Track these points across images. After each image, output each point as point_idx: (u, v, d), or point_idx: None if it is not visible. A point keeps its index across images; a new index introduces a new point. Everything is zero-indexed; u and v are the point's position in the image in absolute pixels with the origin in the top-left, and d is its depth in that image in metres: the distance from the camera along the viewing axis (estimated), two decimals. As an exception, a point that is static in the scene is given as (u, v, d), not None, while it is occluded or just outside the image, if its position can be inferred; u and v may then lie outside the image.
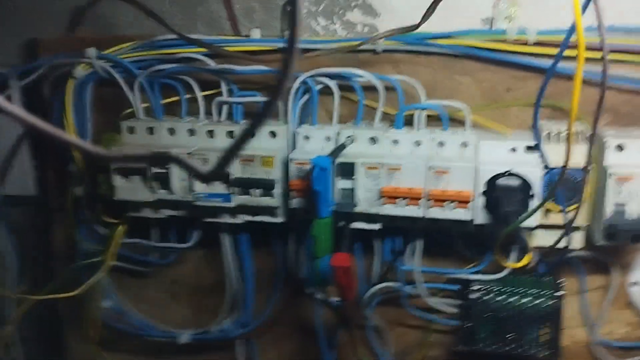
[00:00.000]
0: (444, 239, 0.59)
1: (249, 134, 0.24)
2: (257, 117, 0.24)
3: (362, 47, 0.57)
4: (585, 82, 0.54)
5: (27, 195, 0.71)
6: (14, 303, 0.69)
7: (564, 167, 0.45)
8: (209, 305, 0.69)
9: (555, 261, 0.55)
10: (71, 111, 0.62)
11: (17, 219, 0.74)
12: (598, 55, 0.52)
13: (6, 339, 0.68)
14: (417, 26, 0.53)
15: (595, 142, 0.53)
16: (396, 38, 0.57)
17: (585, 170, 0.49)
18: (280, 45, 0.59)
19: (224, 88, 0.60)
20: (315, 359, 0.66)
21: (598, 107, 0.42)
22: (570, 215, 0.52)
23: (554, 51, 0.54)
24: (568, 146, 0.44)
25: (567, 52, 0.54)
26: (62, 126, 0.62)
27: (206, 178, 0.26)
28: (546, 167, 0.53)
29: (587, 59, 0.53)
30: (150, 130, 0.60)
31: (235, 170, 0.57)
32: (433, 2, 0.50)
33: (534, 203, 0.51)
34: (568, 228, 0.49)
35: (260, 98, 0.59)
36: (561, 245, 0.53)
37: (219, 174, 0.26)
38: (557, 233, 0.53)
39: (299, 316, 0.67)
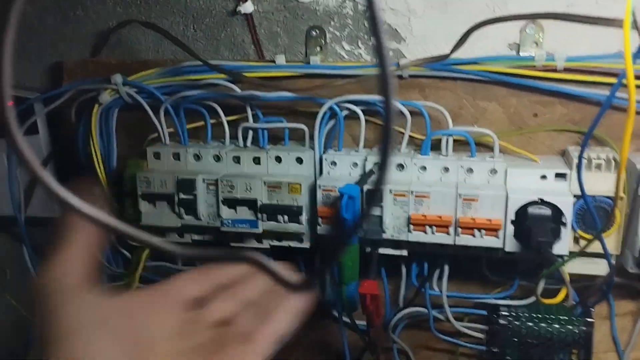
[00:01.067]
0: (471, 264, 0.59)
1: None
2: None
3: (388, 72, 0.56)
4: (613, 108, 0.54)
5: (50, 216, 0.71)
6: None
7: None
8: (233, 328, 0.69)
9: (590, 292, 0.55)
10: (97, 136, 0.62)
11: (41, 240, 0.74)
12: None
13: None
14: (448, 56, 0.52)
15: (628, 169, 0.53)
16: (424, 65, 0.57)
17: (615, 198, 0.48)
18: (306, 71, 0.59)
19: (249, 113, 0.60)
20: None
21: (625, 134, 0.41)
22: (605, 243, 0.52)
23: (582, 77, 0.55)
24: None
25: (596, 78, 0.54)
26: (87, 151, 0.63)
27: (295, 287, 0.26)
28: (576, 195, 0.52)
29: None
30: (176, 156, 0.60)
31: (262, 196, 0.57)
32: (465, 33, 0.50)
33: (565, 231, 0.51)
34: (608, 257, 0.48)
35: (285, 124, 0.59)
36: (594, 273, 0.53)
37: (309, 284, 0.26)
38: (588, 261, 0.52)
39: (323, 339, 0.67)
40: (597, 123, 0.38)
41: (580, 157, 0.48)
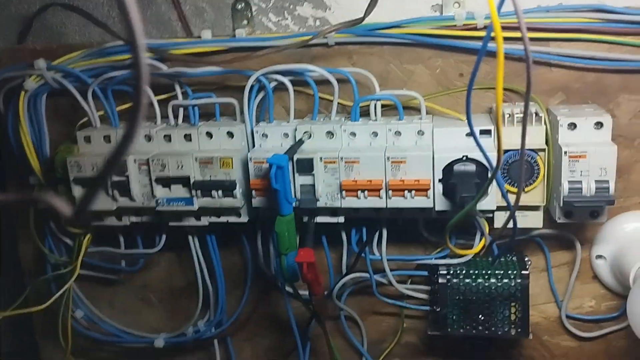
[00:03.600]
0: (409, 227, 0.60)
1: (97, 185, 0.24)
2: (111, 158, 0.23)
3: (314, 41, 0.57)
4: (537, 62, 0.55)
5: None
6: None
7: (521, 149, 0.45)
8: (182, 308, 0.69)
9: (509, 243, 0.56)
10: (26, 124, 0.61)
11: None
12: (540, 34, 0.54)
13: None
14: (363, 19, 0.53)
15: (549, 121, 0.54)
16: (347, 30, 0.57)
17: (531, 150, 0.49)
18: (232, 45, 0.59)
19: (178, 91, 0.59)
20: (290, 353, 0.66)
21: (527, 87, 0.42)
22: (528, 195, 0.53)
23: (503, 34, 0.55)
24: (523, 127, 0.44)
25: (515, 34, 0.55)
26: (18, 139, 0.62)
27: (71, 220, 0.25)
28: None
29: (534, 39, 0.54)
30: (107, 139, 0.60)
31: (195, 172, 0.56)
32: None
33: (491, 186, 0.52)
34: (512, 209, 0.49)
35: (215, 99, 0.59)
36: (524, 225, 0.54)
37: (82, 214, 0.25)
38: (518, 214, 0.53)
39: (272, 312, 0.68)
40: (474, 76, 0.39)
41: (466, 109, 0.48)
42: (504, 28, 0.55)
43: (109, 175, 0.24)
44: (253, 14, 0.61)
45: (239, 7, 0.60)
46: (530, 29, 0.55)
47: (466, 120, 0.55)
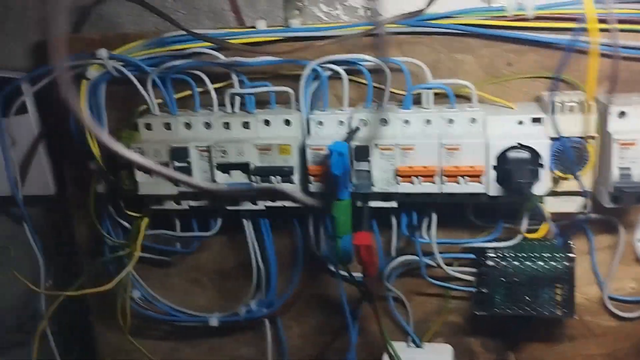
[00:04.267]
0: (458, 211, 0.62)
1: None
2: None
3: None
4: (583, 52, 0.57)
5: (46, 194, 0.73)
6: (43, 299, 0.72)
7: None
8: (233, 289, 0.72)
9: (574, 227, 0.58)
10: (87, 111, 0.63)
11: (37, 218, 0.76)
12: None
13: (40, 334, 0.71)
14: (422, 11, 0.54)
15: (598, 110, 0.56)
16: (400, 22, 0.58)
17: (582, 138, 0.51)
18: (285, 34, 0.61)
19: (234, 80, 0.61)
20: (338, 332, 0.69)
21: (611, 77, 0.43)
22: (580, 181, 0.55)
23: (551, 24, 0.57)
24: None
25: (565, 24, 0.57)
26: (78, 127, 0.64)
27: (319, 209, 0.28)
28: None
29: (579, 30, 0.55)
30: (167, 126, 0.62)
31: (254, 159, 0.59)
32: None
33: (543, 172, 0.54)
34: (585, 194, 0.52)
35: (272, 88, 0.61)
36: (572, 210, 0.56)
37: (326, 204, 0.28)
38: (566, 199, 0.56)
39: (321, 292, 0.70)
40: (564, 67, 0.41)
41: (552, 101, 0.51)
42: (552, 18, 0.57)
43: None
44: (305, 4, 0.63)
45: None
46: (578, 20, 0.56)
47: (516, 109, 0.57)
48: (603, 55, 0.57)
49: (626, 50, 0.56)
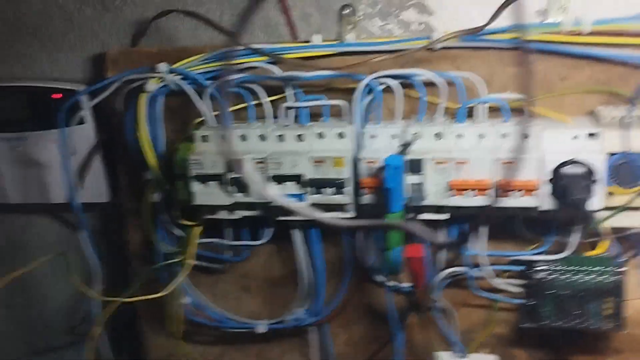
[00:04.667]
0: (507, 224, 0.62)
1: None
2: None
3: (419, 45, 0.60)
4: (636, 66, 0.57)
5: (101, 202, 0.75)
6: (99, 305, 0.74)
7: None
8: (280, 297, 0.73)
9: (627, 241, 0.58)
10: (145, 124, 0.65)
11: (92, 225, 0.78)
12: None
13: (95, 339, 0.73)
14: (483, 27, 0.55)
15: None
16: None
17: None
18: (340, 49, 0.62)
19: (289, 93, 0.63)
20: (385, 342, 0.70)
21: None
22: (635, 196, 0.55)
23: (607, 39, 0.57)
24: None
25: (621, 40, 0.57)
26: (135, 138, 0.66)
27: (441, 246, 0.29)
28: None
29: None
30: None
31: (308, 171, 0.60)
32: (501, 5, 0.53)
33: (598, 188, 0.54)
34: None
35: (326, 102, 0.62)
36: (631, 225, 0.56)
37: (455, 244, 0.29)
38: (626, 214, 0.56)
39: (368, 302, 0.71)
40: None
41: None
42: (607, 34, 0.58)
43: None
44: (359, 19, 0.64)
45: (346, 11, 0.63)
46: (634, 35, 0.57)
47: (571, 123, 0.58)
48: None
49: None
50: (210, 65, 0.64)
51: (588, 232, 0.58)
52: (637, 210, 0.57)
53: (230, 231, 0.69)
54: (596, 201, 0.55)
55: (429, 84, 0.60)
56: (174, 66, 0.64)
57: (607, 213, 0.57)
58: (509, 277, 0.65)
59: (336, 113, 0.63)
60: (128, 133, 0.67)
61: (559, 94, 0.60)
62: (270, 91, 0.64)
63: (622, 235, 0.58)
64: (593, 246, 0.59)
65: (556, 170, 0.55)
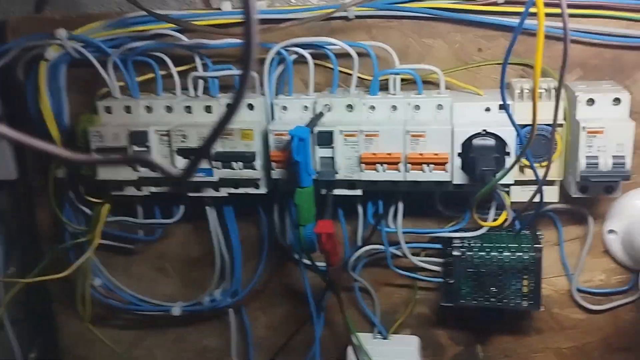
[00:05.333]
0: (424, 200, 0.61)
1: (216, 134, 0.25)
2: (227, 111, 0.24)
3: (334, 15, 0.57)
4: (554, 38, 0.55)
5: (8, 179, 0.71)
6: (2, 286, 0.70)
7: (533, 124, 0.46)
8: (197, 278, 0.70)
9: (531, 216, 0.57)
10: (46, 94, 0.61)
11: (0, 203, 0.74)
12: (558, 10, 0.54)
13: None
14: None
15: (567, 97, 0.55)
16: (368, 4, 0.57)
17: (553, 125, 0.50)
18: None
19: (198, 63, 0.60)
20: (304, 323, 0.68)
21: (563, 62, 0.43)
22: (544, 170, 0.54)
23: (521, 9, 0.55)
24: (534, 103, 0.45)
25: (533, 10, 0.55)
26: (38, 109, 0.62)
27: (178, 180, 0.26)
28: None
29: (552, 15, 0.54)
30: (128, 109, 0.60)
31: (216, 144, 0.57)
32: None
33: (509, 161, 0.53)
34: (540, 183, 0.51)
35: (235, 71, 0.59)
36: (537, 199, 0.55)
37: (189, 174, 0.27)
38: (534, 189, 0.54)
39: (287, 282, 0.69)
40: (510, 52, 0.41)
41: (502, 86, 0.50)
42: (524, 3, 0.56)
43: (213, 143, 0.25)
44: (271, -14, 0.61)
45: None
46: (549, 4, 0.55)
47: (484, 95, 0.56)
48: (575, 41, 0.56)
49: (596, 37, 0.55)
50: (113, 32, 0.60)
51: (499, 207, 0.57)
52: (548, 184, 0.55)
53: (141, 209, 0.66)
54: (507, 174, 0.53)
55: (344, 55, 0.58)
56: (75, 32, 0.60)
57: (518, 187, 0.55)
58: (428, 255, 0.63)
59: (249, 85, 0.61)
60: (30, 104, 0.63)
61: (474, 65, 0.58)
62: (179, 61, 0.61)
63: (532, 211, 0.56)
64: (505, 221, 0.57)
65: (466, 142, 0.53)
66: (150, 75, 0.61)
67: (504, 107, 0.52)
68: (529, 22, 0.55)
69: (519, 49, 0.57)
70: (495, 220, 0.58)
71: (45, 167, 0.66)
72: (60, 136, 0.63)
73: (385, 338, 0.67)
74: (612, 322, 0.63)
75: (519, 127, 0.52)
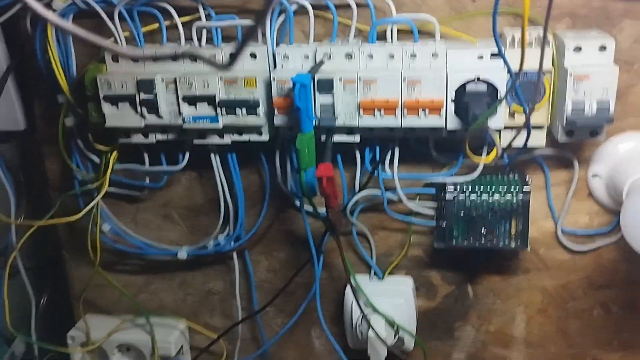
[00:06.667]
0: (419, 147, 0.64)
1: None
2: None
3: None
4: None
5: (16, 130, 0.73)
6: (14, 231, 0.73)
7: (520, 70, 0.49)
8: (202, 224, 0.73)
9: (516, 155, 0.60)
10: (54, 44, 0.63)
11: (8, 153, 0.76)
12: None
13: (10, 265, 0.72)
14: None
15: (556, 45, 0.57)
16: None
17: (540, 71, 0.52)
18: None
19: (201, 12, 0.62)
20: (304, 265, 0.71)
21: (547, 10, 0.46)
22: (534, 115, 0.57)
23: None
24: (522, 49, 0.48)
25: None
26: (46, 59, 0.64)
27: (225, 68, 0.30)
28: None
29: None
30: (134, 58, 0.62)
31: (220, 91, 0.60)
32: None
33: (500, 106, 0.56)
34: (527, 126, 0.54)
35: (238, 21, 0.61)
36: (523, 143, 0.58)
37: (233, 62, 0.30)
38: (523, 132, 0.57)
39: (287, 228, 0.72)
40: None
41: (494, 34, 0.52)
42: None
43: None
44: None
45: None
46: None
47: (477, 44, 0.59)
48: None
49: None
50: (120, -18, 0.62)
51: (493, 143, 0.59)
52: (535, 129, 0.58)
53: (147, 156, 0.68)
54: (497, 119, 0.56)
55: (342, 6, 0.60)
56: (81, -17, 0.62)
57: (507, 131, 0.58)
58: (422, 200, 0.66)
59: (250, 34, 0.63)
60: (38, 55, 0.65)
61: (468, 15, 0.61)
62: (183, 11, 0.62)
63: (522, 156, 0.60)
64: (497, 168, 0.60)
65: (460, 88, 0.56)
66: (155, 26, 0.63)
67: (498, 53, 0.54)
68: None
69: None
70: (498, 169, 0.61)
71: (53, 116, 0.69)
72: (69, 85, 0.65)
73: (381, 279, 0.71)
74: (595, 262, 0.67)
75: (512, 72, 0.54)
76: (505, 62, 0.54)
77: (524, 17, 0.47)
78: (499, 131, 0.59)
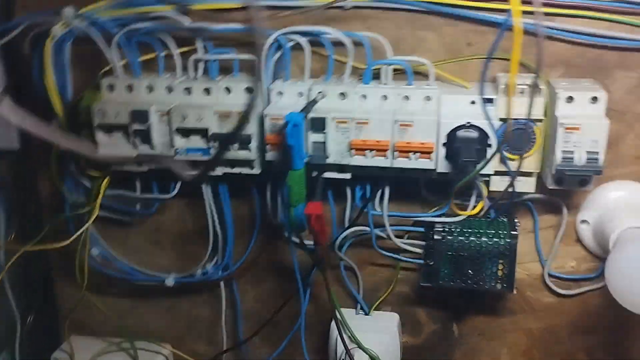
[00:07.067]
0: (410, 186, 0.64)
1: (224, 147, 0.28)
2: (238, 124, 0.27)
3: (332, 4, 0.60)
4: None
5: (11, 149, 0.73)
6: (3, 254, 0.73)
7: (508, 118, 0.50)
8: (191, 252, 0.73)
9: (506, 205, 0.61)
10: (51, 70, 0.64)
11: (2, 171, 0.76)
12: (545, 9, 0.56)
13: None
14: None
15: (549, 94, 0.58)
16: (364, -4, 0.60)
17: (529, 120, 0.53)
18: (252, 2, 0.61)
19: (199, 45, 0.62)
20: (291, 297, 0.71)
21: (538, 59, 0.46)
22: (524, 162, 0.57)
23: (505, 6, 0.58)
24: (509, 98, 0.49)
25: (526, 7, 0.58)
26: (43, 84, 0.64)
27: (191, 182, 0.30)
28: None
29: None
30: (129, 88, 0.63)
31: (213, 125, 0.60)
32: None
33: (491, 152, 0.56)
34: (513, 174, 0.55)
35: (235, 55, 0.62)
36: (515, 190, 0.58)
37: (202, 179, 0.30)
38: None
39: (275, 259, 0.72)
40: (496, 47, 0.47)
41: (482, 79, 0.53)
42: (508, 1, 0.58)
43: (238, 133, 0.28)
44: None
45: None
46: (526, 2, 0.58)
47: (471, 88, 0.59)
48: (560, 40, 0.59)
49: (580, 36, 0.58)
50: (118, 12, 0.62)
51: (479, 195, 0.60)
52: (525, 175, 0.58)
53: (139, 184, 0.69)
54: (488, 165, 0.56)
55: (340, 44, 0.60)
56: (81, 11, 0.62)
57: (498, 178, 0.59)
58: (411, 238, 0.66)
59: (246, 69, 0.63)
60: (35, 79, 0.65)
61: (464, 59, 0.61)
62: (181, 43, 0.63)
63: (510, 200, 0.60)
64: (482, 210, 0.61)
65: (451, 133, 0.56)
66: (152, 55, 0.64)
67: (483, 101, 0.55)
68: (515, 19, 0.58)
69: (506, 44, 0.60)
70: (473, 208, 0.61)
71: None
72: (63, 110, 0.65)
73: (367, 314, 0.71)
74: (580, 306, 0.67)
75: (494, 122, 0.55)
76: (485, 112, 0.55)
77: (513, 66, 0.48)
78: (488, 176, 0.59)
